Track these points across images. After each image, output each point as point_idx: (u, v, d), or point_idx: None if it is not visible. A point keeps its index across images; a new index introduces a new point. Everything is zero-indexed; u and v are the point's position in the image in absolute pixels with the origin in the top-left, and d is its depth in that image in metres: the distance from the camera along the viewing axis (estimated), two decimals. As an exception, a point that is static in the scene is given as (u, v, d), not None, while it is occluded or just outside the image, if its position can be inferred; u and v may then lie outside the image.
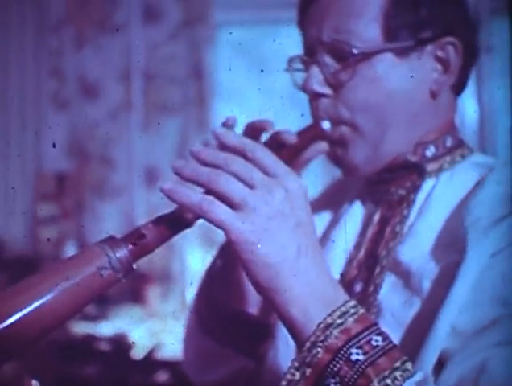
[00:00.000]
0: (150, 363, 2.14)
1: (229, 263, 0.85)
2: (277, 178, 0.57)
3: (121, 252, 0.54)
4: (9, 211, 2.68)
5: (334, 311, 0.56)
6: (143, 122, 2.66)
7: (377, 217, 0.82)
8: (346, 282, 0.79)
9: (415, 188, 0.79)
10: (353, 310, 0.57)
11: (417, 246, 0.73)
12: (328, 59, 0.78)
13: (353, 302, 0.58)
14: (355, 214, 0.86)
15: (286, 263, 0.56)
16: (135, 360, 2.13)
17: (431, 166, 0.79)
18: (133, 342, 2.19)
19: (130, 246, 0.55)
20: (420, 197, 0.78)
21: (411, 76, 0.77)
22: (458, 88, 0.81)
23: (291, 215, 0.57)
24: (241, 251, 0.55)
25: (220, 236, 0.61)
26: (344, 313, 0.56)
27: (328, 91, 0.79)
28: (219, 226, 0.55)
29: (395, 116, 0.77)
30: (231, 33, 2.75)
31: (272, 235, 0.55)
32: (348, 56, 0.76)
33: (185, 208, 0.57)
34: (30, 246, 2.67)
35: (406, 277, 0.72)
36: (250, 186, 0.56)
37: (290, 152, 0.77)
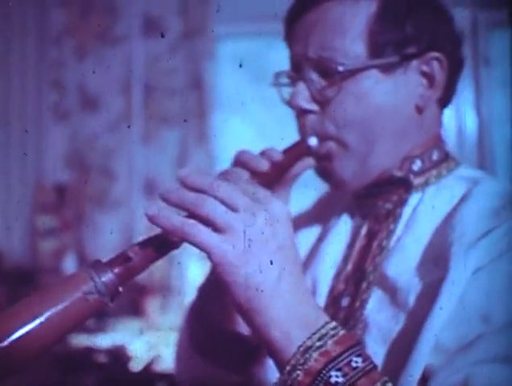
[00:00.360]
0: (149, 375, 2.12)
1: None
2: (260, 202, 0.58)
3: (107, 276, 0.55)
4: (8, 223, 2.67)
5: (314, 334, 0.56)
6: (143, 134, 2.66)
7: (364, 230, 0.82)
8: (333, 296, 0.79)
9: (402, 202, 0.79)
10: (332, 332, 0.57)
11: (403, 261, 0.73)
12: (314, 76, 0.79)
13: (333, 324, 0.57)
14: (343, 227, 0.86)
15: (267, 285, 0.56)
16: (134, 373, 2.12)
17: (417, 181, 0.79)
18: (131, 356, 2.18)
19: (116, 270, 0.56)
20: (407, 211, 0.79)
21: (397, 92, 0.77)
22: (444, 102, 0.82)
23: (272, 238, 0.57)
24: (223, 272, 0.56)
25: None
26: (324, 335, 0.56)
27: (314, 107, 0.79)
28: (202, 248, 0.56)
29: (382, 131, 0.77)
30: (228, 45, 2.75)
31: (253, 257, 0.56)
32: (334, 73, 0.76)
33: (168, 232, 0.57)
34: (30, 258, 2.66)
35: (392, 292, 0.72)
36: (234, 210, 0.57)
37: (276, 170, 0.77)
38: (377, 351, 0.64)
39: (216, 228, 0.56)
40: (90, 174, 2.70)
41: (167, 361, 2.15)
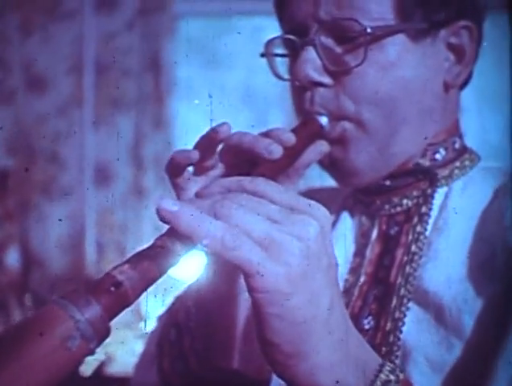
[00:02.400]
0: (101, 379, 1.99)
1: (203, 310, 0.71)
2: (298, 208, 0.44)
3: (93, 311, 0.39)
4: None
5: (373, 381, 0.43)
6: (95, 118, 2.51)
7: (375, 234, 0.69)
8: (349, 317, 0.65)
9: (426, 198, 0.67)
10: (393, 377, 0.44)
11: (443, 271, 0.61)
12: (328, 41, 0.64)
13: (389, 366, 0.45)
14: (344, 231, 0.73)
15: (318, 319, 0.42)
16: (83, 377, 1.98)
17: (441, 172, 0.68)
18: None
19: (104, 300, 0.40)
20: (433, 209, 0.67)
21: (426, 64, 0.65)
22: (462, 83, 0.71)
23: (324, 254, 0.43)
24: (266, 303, 0.41)
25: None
26: (387, 382, 0.44)
27: (326, 79, 0.65)
28: (244, 268, 0.41)
29: (407, 110, 0.65)
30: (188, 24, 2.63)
31: (306, 282, 0.42)
32: (356, 37, 0.62)
33: (193, 240, 0.42)
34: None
35: (436, 310, 0.59)
36: (274, 221, 0.42)
37: (288, 157, 0.61)
38: (425, 384, 0.52)
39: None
40: (36, 160, 2.53)
41: (120, 363, 2.04)
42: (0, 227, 2.50)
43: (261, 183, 0.46)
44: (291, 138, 0.60)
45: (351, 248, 0.71)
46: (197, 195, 0.48)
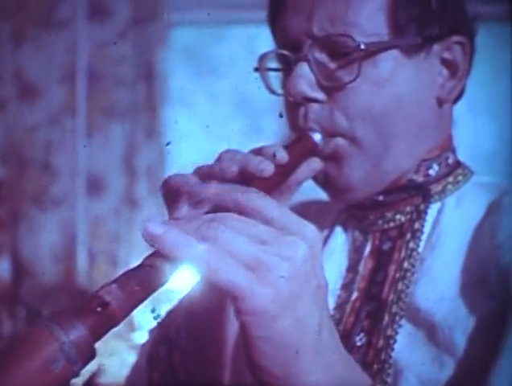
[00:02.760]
0: (92, 390, 1.97)
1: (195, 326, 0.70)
2: (289, 229, 0.43)
3: (78, 333, 0.38)
4: None
5: None
6: (87, 127, 2.49)
7: (368, 249, 0.69)
8: (341, 334, 0.63)
9: (419, 214, 0.67)
10: None
11: (435, 288, 0.60)
12: (322, 56, 0.64)
13: None
14: (337, 245, 0.72)
15: (307, 341, 0.42)
16: (75, 389, 1.96)
17: (434, 188, 0.67)
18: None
19: (90, 321, 0.39)
20: (426, 225, 0.66)
21: (419, 80, 0.65)
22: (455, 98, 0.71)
23: (313, 275, 0.43)
24: (253, 326, 0.41)
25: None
26: None
27: (320, 95, 0.64)
28: (230, 291, 0.40)
29: (401, 126, 0.65)
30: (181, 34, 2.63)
31: (294, 304, 0.41)
32: (350, 53, 0.62)
33: (175, 261, 0.42)
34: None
35: (428, 327, 0.58)
36: (262, 242, 0.42)
37: (281, 174, 0.60)
38: None
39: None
40: (28, 169, 2.52)
41: (111, 374, 2.02)
42: (-9, 236, 2.48)
43: (253, 197, 0.45)
44: (284, 156, 0.59)
45: (344, 263, 0.70)
46: (189, 192, 0.47)
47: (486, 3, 2.32)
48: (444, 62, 0.67)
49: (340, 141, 0.65)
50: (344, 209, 0.74)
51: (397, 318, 0.62)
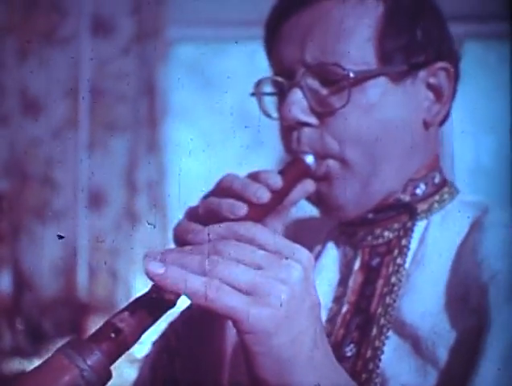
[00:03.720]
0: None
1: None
2: (284, 253, 0.47)
3: (95, 358, 0.42)
4: None
5: None
6: (89, 142, 2.52)
7: (357, 264, 0.72)
8: (332, 344, 0.67)
9: (406, 231, 0.70)
10: None
11: (419, 303, 0.63)
12: (314, 83, 0.68)
13: None
14: (329, 260, 0.75)
15: (301, 356, 0.46)
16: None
17: (420, 206, 0.70)
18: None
19: (105, 347, 0.43)
20: (413, 242, 0.69)
21: (406, 104, 0.69)
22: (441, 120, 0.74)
23: (307, 295, 0.47)
24: (253, 343, 0.45)
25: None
26: None
27: (312, 120, 0.68)
28: (229, 315, 0.45)
29: (389, 149, 0.68)
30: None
31: (290, 322, 0.45)
32: (339, 80, 0.66)
33: (177, 294, 0.47)
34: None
35: (413, 340, 0.61)
36: (257, 267, 0.46)
37: (276, 199, 0.64)
38: None
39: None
40: (30, 183, 2.54)
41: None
42: (-8, 250, 2.49)
43: (251, 228, 0.49)
44: (278, 182, 0.64)
45: (335, 277, 0.73)
46: (191, 242, 0.51)
47: (487, 22, 2.36)
48: (430, 87, 0.70)
49: (331, 162, 0.69)
50: (335, 226, 0.77)
51: (384, 330, 0.64)
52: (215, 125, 2.54)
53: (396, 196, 0.70)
